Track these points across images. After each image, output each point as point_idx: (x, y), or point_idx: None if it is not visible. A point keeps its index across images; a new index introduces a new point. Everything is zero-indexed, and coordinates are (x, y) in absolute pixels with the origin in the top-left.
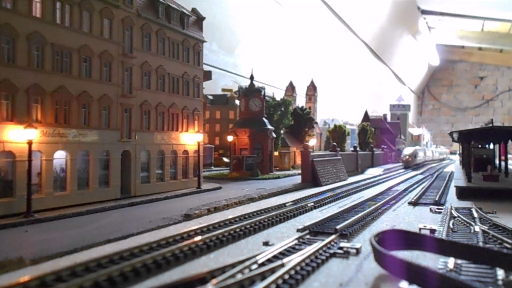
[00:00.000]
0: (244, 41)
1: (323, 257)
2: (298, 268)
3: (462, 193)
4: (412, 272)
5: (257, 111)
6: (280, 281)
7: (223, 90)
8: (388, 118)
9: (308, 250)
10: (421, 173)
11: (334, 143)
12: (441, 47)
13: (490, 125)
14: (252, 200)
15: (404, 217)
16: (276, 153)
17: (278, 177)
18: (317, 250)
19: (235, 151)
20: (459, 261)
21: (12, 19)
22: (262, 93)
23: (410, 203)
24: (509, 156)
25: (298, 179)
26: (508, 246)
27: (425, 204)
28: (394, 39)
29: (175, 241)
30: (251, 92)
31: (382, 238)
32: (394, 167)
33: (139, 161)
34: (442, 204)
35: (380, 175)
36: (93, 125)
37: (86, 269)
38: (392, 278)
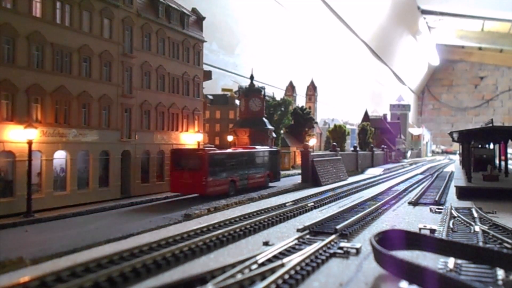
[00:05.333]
0: (244, 41)
1: (323, 257)
2: (298, 268)
3: (462, 193)
4: (412, 272)
5: (257, 111)
6: (280, 281)
7: (223, 90)
8: (388, 118)
9: (308, 250)
10: (421, 173)
11: (334, 143)
12: (441, 47)
13: (490, 125)
14: (252, 200)
15: (404, 217)
16: None
17: None
18: (317, 250)
19: None
20: (459, 261)
21: (12, 19)
22: (262, 93)
23: (410, 203)
24: (509, 156)
25: (298, 179)
26: (508, 246)
27: (425, 204)
28: (394, 39)
29: (175, 241)
30: (251, 92)
31: (382, 238)
32: (394, 167)
33: (139, 161)
34: (442, 204)
35: (380, 175)
36: (93, 125)
37: (86, 269)
38: (392, 278)
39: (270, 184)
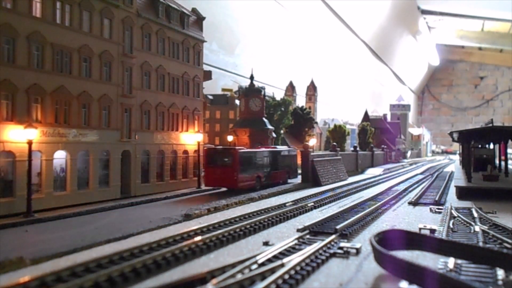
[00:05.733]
0: (244, 41)
1: (323, 257)
2: (298, 268)
3: (462, 193)
4: (412, 272)
5: (257, 111)
6: (280, 281)
7: (223, 90)
8: (388, 118)
9: (308, 250)
10: (421, 173)
11: (334, 143)
12: (441, 47)
13: (490, 125)
14: (252, 200)
15: (404, 217)
16: None
17: None
18: (317, 250)
19: None
20: (459, 261)
21: (12, 19)
22: (262, 93)
23: (410, 203)
24: (509, 156)
25: (298, 179)
26: (508, 246)
27: (425, 204)
28: (394, 39)
29: (175, 241)
30: (251, 92)
31: (382, 238)
32: (394, 167)
33: (139, 161)
34: (442, 204)
35: (380, 175)
36: (93, 125)
37: (86, 269)
38: (392, 278)
39: (289, 181)
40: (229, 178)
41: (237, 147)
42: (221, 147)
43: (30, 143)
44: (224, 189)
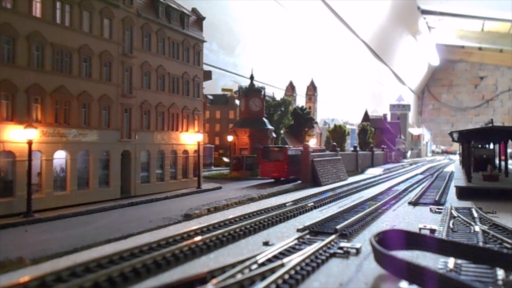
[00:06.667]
0: (244, 41)
1: (323, 257)
2: (298, 268)
3: (462, 193)
4: (412, 272)
5: (257, 111)
6: (280, 281)
7: (223, 90)
8: (388, 118)
9: (308, 250)
10: (421, 173)
11: (334, 143)
12: (441, 47)
13: (490, 125)
14: (252, 200)
15: (404, 217)
16: None
17: None
18: (317, 250)
19: (235, 151)
20: (459, 261)
21: (12, 19)
22: (262, 93)
23: (410, 203)
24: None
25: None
26: (508, 246)
27: (425, 204)
28: (394, 39)
29: (175, 241)
30: (251, 92)
31: (382, 238)
32: (394, 167)
33: (139, 161)
34: (442, 204)
35: (380, 175)
36: (93, 125)
37: (86, 269)
38: (392, 278)
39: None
40: (281, 170)
41: (286, 146)
42: (273, 145)
43: (30, 143)
44: (224, 188)
